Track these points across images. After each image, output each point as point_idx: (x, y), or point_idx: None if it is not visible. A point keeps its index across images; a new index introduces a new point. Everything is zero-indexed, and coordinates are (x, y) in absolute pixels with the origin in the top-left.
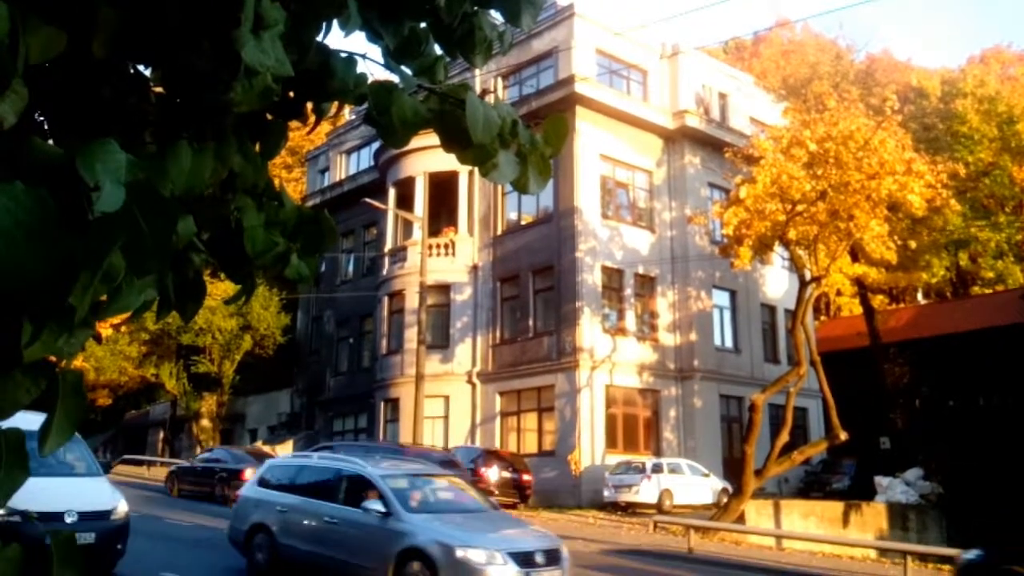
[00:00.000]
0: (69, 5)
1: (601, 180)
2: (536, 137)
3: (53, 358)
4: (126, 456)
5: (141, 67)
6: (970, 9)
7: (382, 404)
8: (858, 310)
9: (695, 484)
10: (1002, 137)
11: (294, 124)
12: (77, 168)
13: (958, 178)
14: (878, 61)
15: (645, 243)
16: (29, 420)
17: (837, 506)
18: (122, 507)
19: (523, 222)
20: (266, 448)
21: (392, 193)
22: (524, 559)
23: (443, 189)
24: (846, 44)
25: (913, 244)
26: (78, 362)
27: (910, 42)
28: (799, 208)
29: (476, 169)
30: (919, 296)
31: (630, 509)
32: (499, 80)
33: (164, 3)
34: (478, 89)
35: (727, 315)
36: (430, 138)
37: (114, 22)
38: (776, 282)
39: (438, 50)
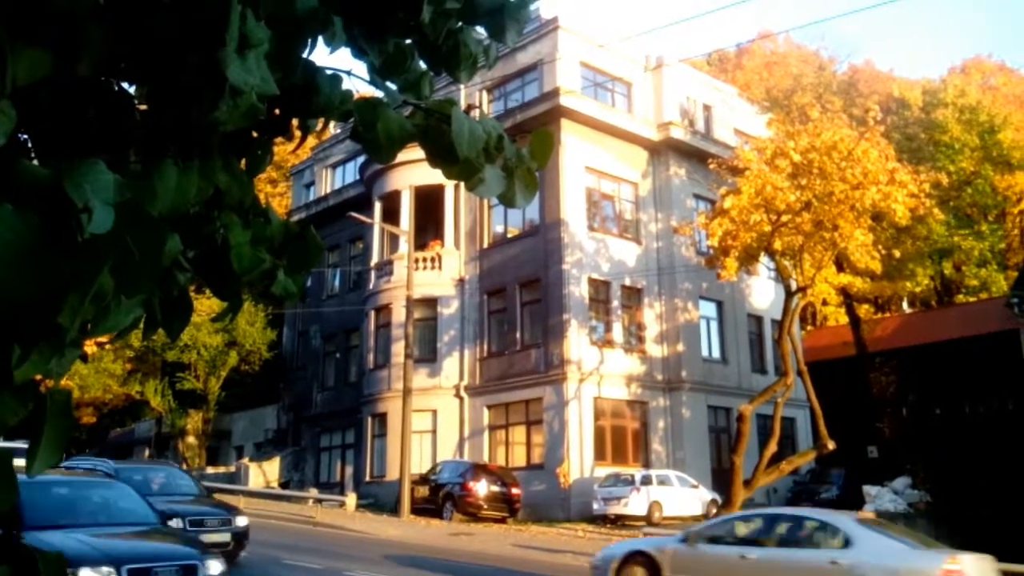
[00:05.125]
0: (54, 24)
1: (587, 192)
2: (522, 151)
3: (39, 377)
4: None
5: (125, 84)
6: (951, 20)
7: (369, 419)
8: (844, 320)
9: (684, 495)
10: (984, 146)
11: (279, 139)
12: (65, 189)
13: (941, 187)
14: (860, 72)
15: (631, 255)
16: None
17: None
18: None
19: (509, 235)
20: (249, 463)
21: (378, 207)
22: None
23: (429, 202)
24: (828, 55)
25: (897, 253)
26: (63, 380)
27: (892, 53)
28: (784, 219)
29: (462, 183)
30: (904, 305)
31: (620, 521)
32: (484, 93)
33: (149, 21)
34: (463, 102)
35: (714, 326)
36: (416, 152)
37: (100, 40)
38: (762, 292)
39: (423, 66)
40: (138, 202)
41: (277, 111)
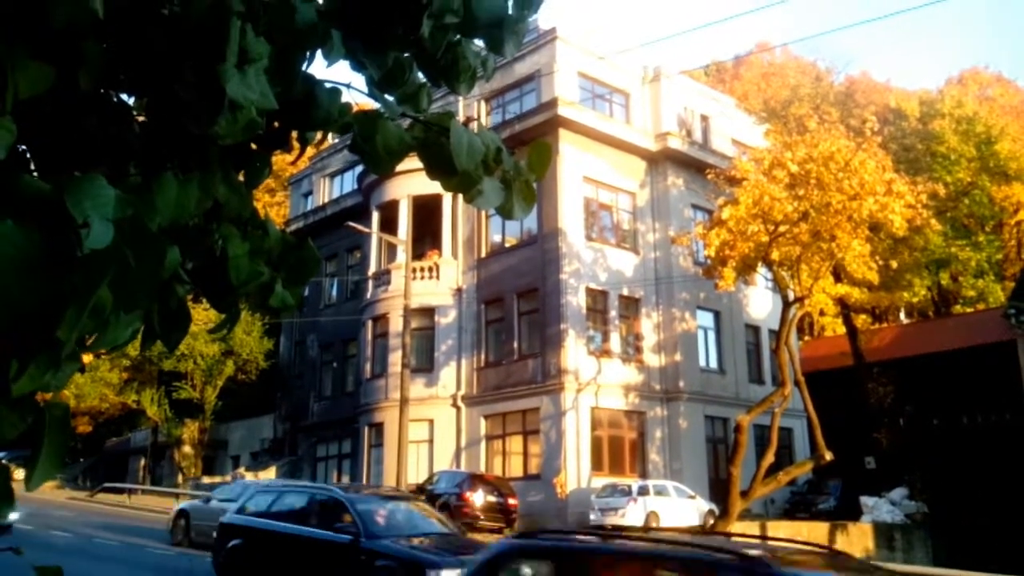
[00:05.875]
0: (55, 39)
1: (585, 202)
2: (520, 163)
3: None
4: (107, 484)
5: (124, 96)
6: (948, 31)
7: (366, 429)
8: (841, 330)
9: (681, 506)
10: (980, 157)
11: (278, 150)
12: (66, 204)
13: (938, 198)
14: (857, 83)
15: (629, 265)
16: None
17: (823, 527)
18: None
19: (507, 244)
20: (245, 473)
21: (376, 216)
22: None
23: (427, 212)
24: (826, 66)
25: (895, 264)
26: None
27: (889, 64)
28: (781, 229)
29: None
30: (901, 315)
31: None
32: (482, 104)
33: (149, 35)
34: (461, 113)
35: (711, 336)
36: (414, 161)
37: (100, 54)
38: (760, 303)
39: (422, 78)
40: (138, 217)
41: (276, 124)
